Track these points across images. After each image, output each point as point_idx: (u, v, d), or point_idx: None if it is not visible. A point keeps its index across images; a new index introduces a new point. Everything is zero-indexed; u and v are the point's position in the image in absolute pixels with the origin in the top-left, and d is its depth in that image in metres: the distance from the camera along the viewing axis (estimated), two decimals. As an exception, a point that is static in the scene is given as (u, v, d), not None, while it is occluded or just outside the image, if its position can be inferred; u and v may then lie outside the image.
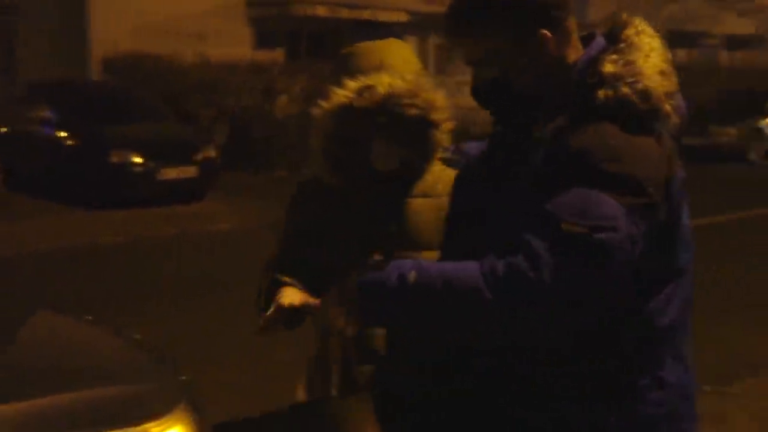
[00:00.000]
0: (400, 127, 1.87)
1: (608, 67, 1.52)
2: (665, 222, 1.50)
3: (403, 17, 19.30)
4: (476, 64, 1.63)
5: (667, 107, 1.51)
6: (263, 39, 17.30)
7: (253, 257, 8.04)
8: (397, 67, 1.90)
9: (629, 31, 1.58)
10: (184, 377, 2.73)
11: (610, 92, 1.49)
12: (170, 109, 12.38)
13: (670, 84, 1.54)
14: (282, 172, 13.33)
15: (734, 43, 28.02)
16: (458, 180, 1.81)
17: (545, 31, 1.56)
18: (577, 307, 1.41)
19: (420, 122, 1.89)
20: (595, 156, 1.44)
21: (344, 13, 18.41)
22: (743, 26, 28.33)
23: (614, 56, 1.54)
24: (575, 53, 1.61)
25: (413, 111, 1.86)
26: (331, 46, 18.58)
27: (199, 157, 11.24)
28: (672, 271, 1.57)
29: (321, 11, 18.01)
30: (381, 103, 1.85)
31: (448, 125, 1.93)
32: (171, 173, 10.92)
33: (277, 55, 17.05)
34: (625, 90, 1.49)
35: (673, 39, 26.13)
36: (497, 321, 1.42)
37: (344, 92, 1.88)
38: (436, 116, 1.90)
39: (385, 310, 1.50)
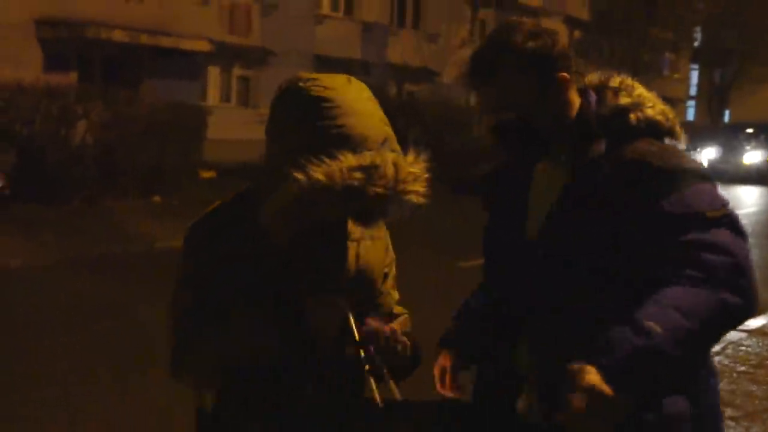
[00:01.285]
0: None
1: (624, 99, 1.83)
2: None
3: (205, 47, 18.82)
4: (499, 110, 1.80)
5: (679, 128, 1.85)
6: (53, 61, 16.19)
7: (48, 297, 7.45)
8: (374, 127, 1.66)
9: (613, 82, 1.89)
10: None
11: (640, 115, 1.80)
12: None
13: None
14: (79, 203, 12.44)
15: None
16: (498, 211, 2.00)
17: (564, 74, 1.81)
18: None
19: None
20: (667, 163, 1.72)
21: (143, 39, 17.65)
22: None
23: (622, 92, 1.85)
24: (575, 94, 1.86)
25: (418, 199, 1.66)
26: (129, 73, 17.74)
27: (-16, 186, 10.24)
28: None
29: (118, 36, 17.14)
30: (389, 189, 1.61)
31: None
32: (-50, 204, 9.84)
33: (70, 78, 16.01)
34: (650, 112, 1.82)
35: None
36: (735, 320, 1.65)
37: (352, 171, 1.56)
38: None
39: (654, 373, 1.56)
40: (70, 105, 12.76)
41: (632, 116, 1.80)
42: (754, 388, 5.50)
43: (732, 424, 4.76)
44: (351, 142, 1.60)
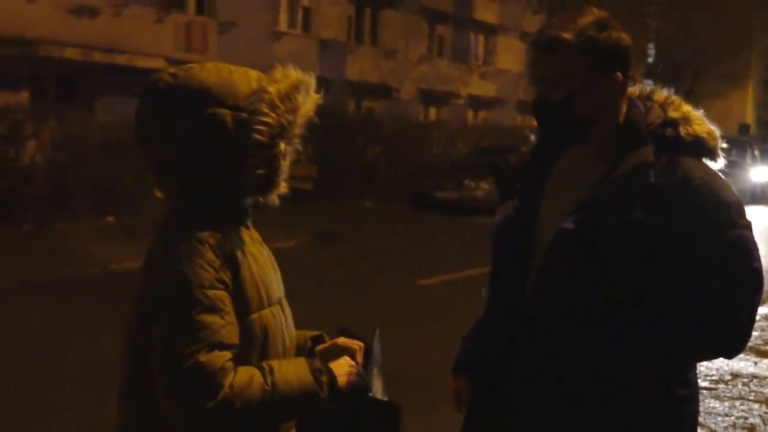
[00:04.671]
0: None
1: (673, 113, 1.91)
2: None
3: (161, 64, 18.54)
4: (548, 84, 1.86)
5: (719, 150, 1.91)
6: (4, 80, 15.83)
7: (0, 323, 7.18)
8: None
9: (658, 96, 1.98)
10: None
11: (690, 129, 1.87)
12: None
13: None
14: (30, 226, 12.11)
15: (478, 103, 30.04)
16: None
17: (619, 74, 1.87)
18: None
19: None
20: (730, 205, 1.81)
21: (97, 57, 17.37)
22: (485, 88, 30.49)
23: (669, 107, 1.93)
24: (623, 100, 1.93)
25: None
26: (82, 91, 17.43)
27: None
28: None
29: (70, 53, 16.85)
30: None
31: None
32: None
33: (22, 98, 15.66)
34: (698, 129, 1.88)
35: (426, 98, 27.61)
36: None
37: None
38: None
39: None
40: (19, 124, 12.45)
41: (682, 130, 1.87)
42: (716, 404, 5.47)
43: (698, 442, 4.71)
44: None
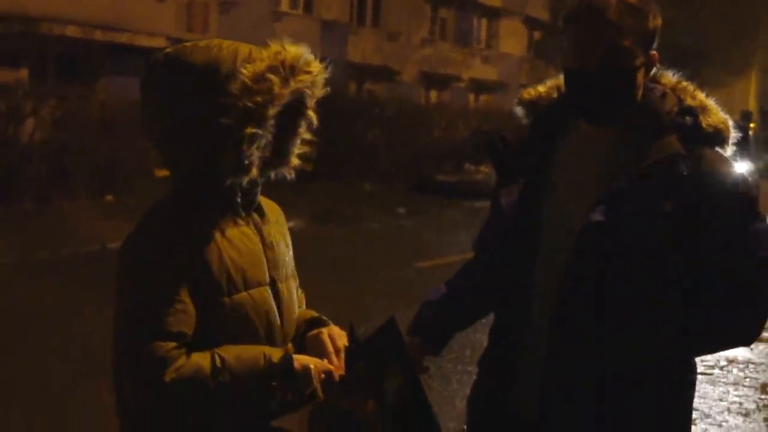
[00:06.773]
0: None
1: (690, 101, 1.87)
2: None
3: (162, 43, 18.47)
4: (601, 51, 1.76)
5: (730, 139, 1.88)
6: (4, 57, 15.77)
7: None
8: None
9: (666, 79, 1.94)
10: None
11: (710, 120, 1.85)
12: None
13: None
14: (30, 204, 12.11)
15: (480, 87, 29.95)
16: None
17: (655, 53, 1.85)
18: None
19: None
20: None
21: (98, 35, 17.29)
22: (487, 72, 30.39)
23: (685, 94, 1.89)
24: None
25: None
26: (84, 70, 17.36)
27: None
28: None
29: (71, 31, 16.77)
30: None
31: None
32: None
33: (21, 75, 15.60)
34: (715, 119, 1.86)
35: (428, 81, 27.53)
36: None
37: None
38: None
39: None
40: (19, 102, 12.41)
41: (703, 120, 1.84)
42: (711, 389, 5.49)
43: (691, 426, 4.73)
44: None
